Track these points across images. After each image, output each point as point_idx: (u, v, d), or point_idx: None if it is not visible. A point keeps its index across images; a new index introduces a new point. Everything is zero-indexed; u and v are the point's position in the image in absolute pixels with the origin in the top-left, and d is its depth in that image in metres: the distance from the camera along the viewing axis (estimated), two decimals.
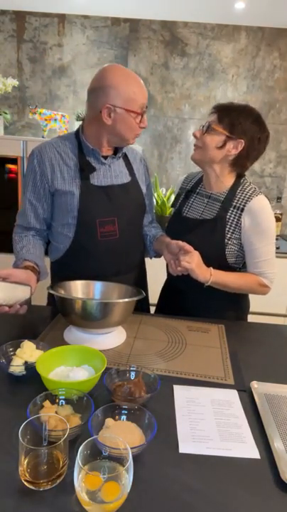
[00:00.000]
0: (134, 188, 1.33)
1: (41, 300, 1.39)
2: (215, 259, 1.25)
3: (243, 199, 1.25)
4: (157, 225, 1.52)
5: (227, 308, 1.36)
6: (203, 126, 1.26)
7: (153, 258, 1.48)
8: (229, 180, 1.30)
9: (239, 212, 1.24)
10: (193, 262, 1.15)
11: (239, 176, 1.31)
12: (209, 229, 1.27)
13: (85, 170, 1.23)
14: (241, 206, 1.24)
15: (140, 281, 1.42)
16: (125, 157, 1.35)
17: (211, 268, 1.21)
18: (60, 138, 1.30)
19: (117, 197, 1.27)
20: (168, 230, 1.41)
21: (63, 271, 1.32)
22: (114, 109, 1.16)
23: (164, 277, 1.49)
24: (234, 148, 1.23)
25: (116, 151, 1.31)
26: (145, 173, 1.43)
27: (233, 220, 1.25)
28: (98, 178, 1.26)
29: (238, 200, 1.25)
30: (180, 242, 1.17)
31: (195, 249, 1.19)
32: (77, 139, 1.27)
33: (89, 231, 1.24)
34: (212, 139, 1.24)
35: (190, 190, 1.41)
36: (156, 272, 1.54)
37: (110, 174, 1.28)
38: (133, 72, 1.20)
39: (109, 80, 1.15)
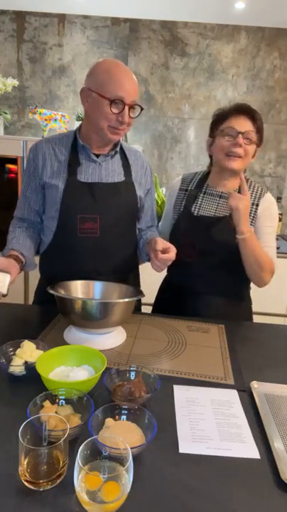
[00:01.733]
0: (126, 189, 1.30)
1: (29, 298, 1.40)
2: (234, 254, 1.26)
3: (256, 196, 1.32)
4: (156, 229, 1.46)
5: (230, 309, 1.36)
6: (242, 134, 1.23)
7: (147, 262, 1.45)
8: (238, 179, 1.33)
9: (254, 207, 1.30)
10: (242, 204, 1.17)
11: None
12: (226, 225, 1.27)
13: (72, 165, 1.25)
14: (256, 202, 1.31)
15: (130, 283, 1.37)
16: (124, 157, 1.34)
17: (252, 227, 1.24)
18: (59, 135, 1.33)
19: (103, 195, 1.25)
20: (177, 231, 1.38)
21: (47, 265, 1.36)
22: (91, 93, 1.17)
23: (159, 277, 1.48)
24: (255, 155, 1.31)
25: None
26: (148, 178, 1.40)
27: (249, 215, 1.28)
28: (86, 175, 1.26)
29: (251, 197, 1.30)
30: (167, 243, 1.16)
31: (213, 247, 1.26)
32: (75, 136, 1.29)
33: (69, 226, 1.25)
34: (252, 149, 1.27)
35: (195, 190, 1.39)
36: (151, 272, 1.51)
37: (99, 172, 1.27)
38: (128, 68, 1.18)
39: (96, 68, 1.17)
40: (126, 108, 1.15)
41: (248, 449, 0.72)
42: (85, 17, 2.89)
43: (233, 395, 0.89)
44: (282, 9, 2.54)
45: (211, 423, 0.79)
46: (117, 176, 1.30)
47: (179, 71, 2.94)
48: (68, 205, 1.23)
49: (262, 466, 0.69)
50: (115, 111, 1.15)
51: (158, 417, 0.71)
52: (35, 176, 1.28)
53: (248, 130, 1.24)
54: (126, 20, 2.88)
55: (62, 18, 2.90)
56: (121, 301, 1.05)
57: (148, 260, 1.40)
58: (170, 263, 1.17)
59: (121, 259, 1.34)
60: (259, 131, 1.27)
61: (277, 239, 2.85)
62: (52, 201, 1.26)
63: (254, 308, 1.47)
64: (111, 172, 1.29)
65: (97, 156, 1.27)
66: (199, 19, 2.82)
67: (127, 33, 2.90)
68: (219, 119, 1.30)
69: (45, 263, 1.37)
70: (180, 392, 0.89)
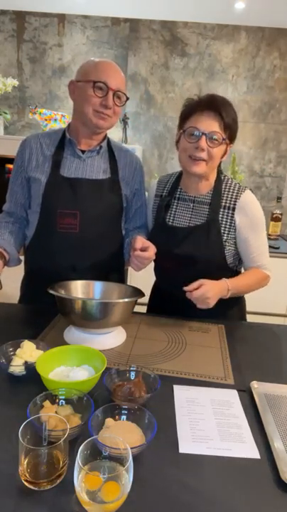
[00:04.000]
0: (111, 187, 1.29)
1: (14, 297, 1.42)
2: (215, 263, 1.23)
3: (231, 198, 1.23)
4: (144, 231, 1.40)
5: (222, 310, 1.31)
6: (206, 136, 1.13)
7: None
8: (213, 179, 1.28)
9: (230, 211, 1.23)
10: (208, 303, 1.11)
11: (218, 173, 1.29)
12: (203, 234, 1.23)
13: (56, 160, 1.26)
14: (232, 205, 1.23)
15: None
16: (112, 155, 1.33)
17: (226, 280, 1.17)
18: (50, 131, 1.35)
19: (84, 191, 1.25)
20: (154, 241, 1.24)
21: (29, 259, 1.37)
22: (77, 83, 1.21)
23: (150, 279, 1.45)
24: (227, 153, 1.23)
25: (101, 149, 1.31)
26: (137, 178, 1.37)
27: (227, 221, 1.23)
28: (69, 170, 1.26)
29: (226, 200, 1.24)
30: (146, 242, 1.14)
31: (190, 257, 1.19)
32: (64, 132, 1.31)
33: (50, 221, 1.25)
34: (219, 150, 1.18)
35: (168, 196, 1.32)
36: (142, 274, 1.48)
37: (83, 168, 1.27)
38: (112, 61, 1.22)
39: (83, 63, 1.22)
40: (110, 93, 1.17)
41: (248, 449, 0.72)
42: (85, 17, 2.89)
43: (233, 395, 0.89)
44: (282, 9, 2.54)
45: (211, 423, 0.79)
46: (102, 173, 1.29)
47: (179, 71, 2.94)
48: (49, 200, 1.25)
49: (262, 466, 0.69)
50: (99, 94, 1.17)
51: (158, 417, 0.71)
52: (22, 170, 1.30)
53: (214, 131, 1.13)
54: (126, 20, 2.88)
55: (62, 18, 2.90)
56: (121, 301, 1.05)
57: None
58: (149, 262, 1.15)
59: (101, 257, 1.31)
60: (228, 127, 1.15)
61: (277, 239, 2.86)
62: (35, 195, 1.28)
63: (254, 308, 1.47)
64: (96, 169, 1.28)
65: (83, 152, 1.28)
66: (199, 19, 2.82)
67: (127, 33, 2.90)
68: (186, 114, 1.19)
69: (27, 257, 1.38)
70: (180, 392, 0.89)
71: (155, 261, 1.18)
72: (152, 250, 1.13)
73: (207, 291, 1.10)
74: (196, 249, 1.21)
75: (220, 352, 1.08)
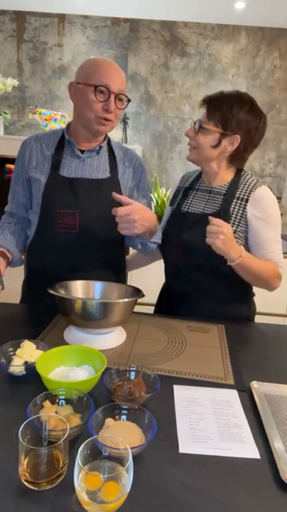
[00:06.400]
0: (111, 186, 1.28)
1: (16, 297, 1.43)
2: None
3: (246, 190, 1.23)
4: None
5: (231, 312, 1.33)
6: (195, 124, 1.22)
7: (135, 254, 1.44)
8: (228, 174, 1.28)
9: (243, 203, 1.22)
10: (218, 241, 1.06)
11: (239, 170, 1.29)
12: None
13: (55, 160, 1.27)
14: (245, 197, 1.22)
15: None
16: (111, 154, 1.33)
17: (242, 247, 1.14)
18: (49, 132, 1.35)
19: (83, 191, 1.25)
20: (167, 228, 1.36)
21: (30, 259, 1.37)
22: (77, 85, 1.19)
23: (161, 280, 1.47)
24: (230, 145, 1.20)
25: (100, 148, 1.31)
26: (138, 174, 1.37)
27: (237, 212, 1.22)
28: (69, 170, 1.26)
29: (241, 192, 1.23)
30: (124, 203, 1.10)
31: (198, 244, 1.18)
32: (63, 132, 1.31)
33: (49, 221, 1.26)
34: (206, 139, 1.20)
35: (189, 187, 1.37)
36: (155, 275, 1.50)
37: (83, 168, 1.27)
38: (114, 63, 1.20)
39: (83, 63, 1.21)
40: (112, 96, 1.16)
41: (248, 449, 0.72)
42: (85, 17, 2.89)
43: (233, 395, 0.89)
44: (282, 9, 2.54)
45: (211, 423, 0.79)
46: (102, 172, 1.29)
47: (179, 71, 2.94)
48: (48, 200, 1.25)
49: (262, 466, 0.69)
50: (100, 98, 1.16)
51: (158, 417, 0.71)
52: (23, 171, 1.30)
53: (200, 119, 1.21)
54: (126, 20, 2.88)
55: (62, 18, 2.90)
56: (121, 301, 1.05)
57: (140, 247, 1.34)
58: (135, 219, 1.09)
59: (101, 257, 1.30)
60: (224, 119, 1.18)
61: None
62: (35, 195, 1.28)
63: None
64: (95, 168, 1.28)
65: (82, 152, 1.28)
66: (199, 19, 2.82)
67: (127, 33, 2.90)
68: None
69: (28, 257, 1.38)
70: (180, 392, 0.89)
71: (166, 256, 1.17)
72: (132, 204, 1.08)
73: (224, 233, 1.06)
74: (203, 237, 1.18)
75: (220, 352, 1.08)
